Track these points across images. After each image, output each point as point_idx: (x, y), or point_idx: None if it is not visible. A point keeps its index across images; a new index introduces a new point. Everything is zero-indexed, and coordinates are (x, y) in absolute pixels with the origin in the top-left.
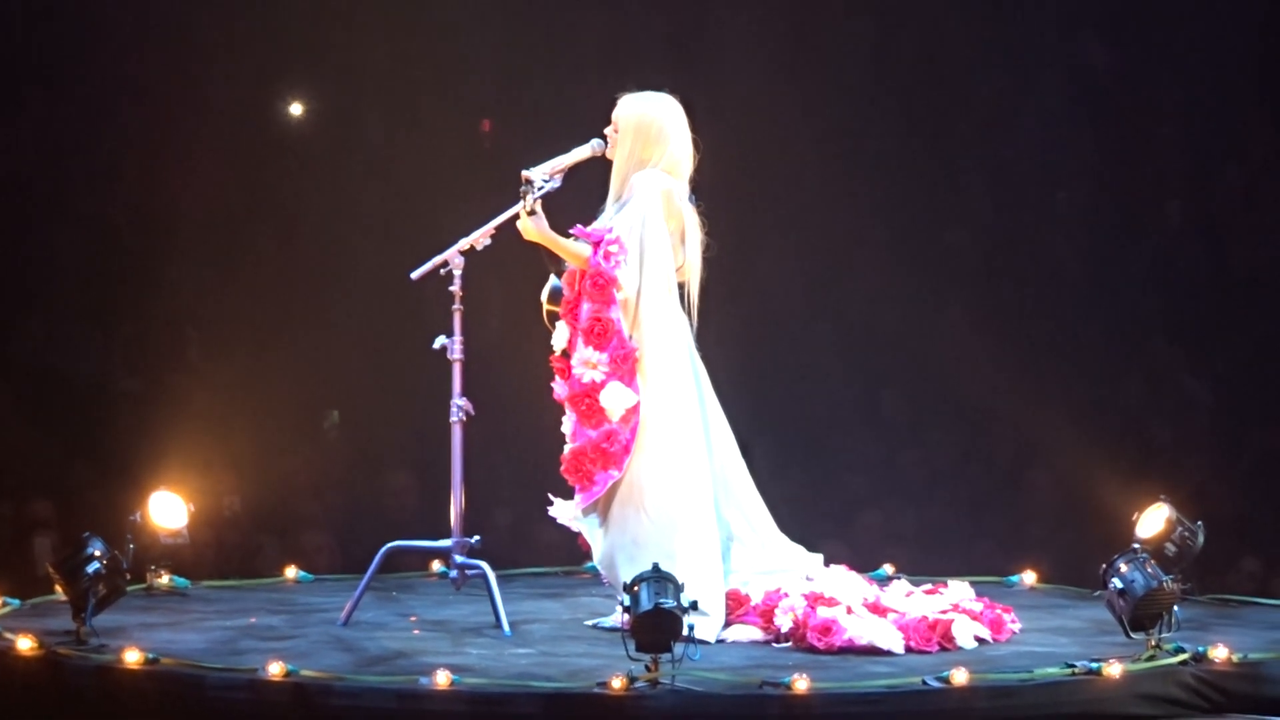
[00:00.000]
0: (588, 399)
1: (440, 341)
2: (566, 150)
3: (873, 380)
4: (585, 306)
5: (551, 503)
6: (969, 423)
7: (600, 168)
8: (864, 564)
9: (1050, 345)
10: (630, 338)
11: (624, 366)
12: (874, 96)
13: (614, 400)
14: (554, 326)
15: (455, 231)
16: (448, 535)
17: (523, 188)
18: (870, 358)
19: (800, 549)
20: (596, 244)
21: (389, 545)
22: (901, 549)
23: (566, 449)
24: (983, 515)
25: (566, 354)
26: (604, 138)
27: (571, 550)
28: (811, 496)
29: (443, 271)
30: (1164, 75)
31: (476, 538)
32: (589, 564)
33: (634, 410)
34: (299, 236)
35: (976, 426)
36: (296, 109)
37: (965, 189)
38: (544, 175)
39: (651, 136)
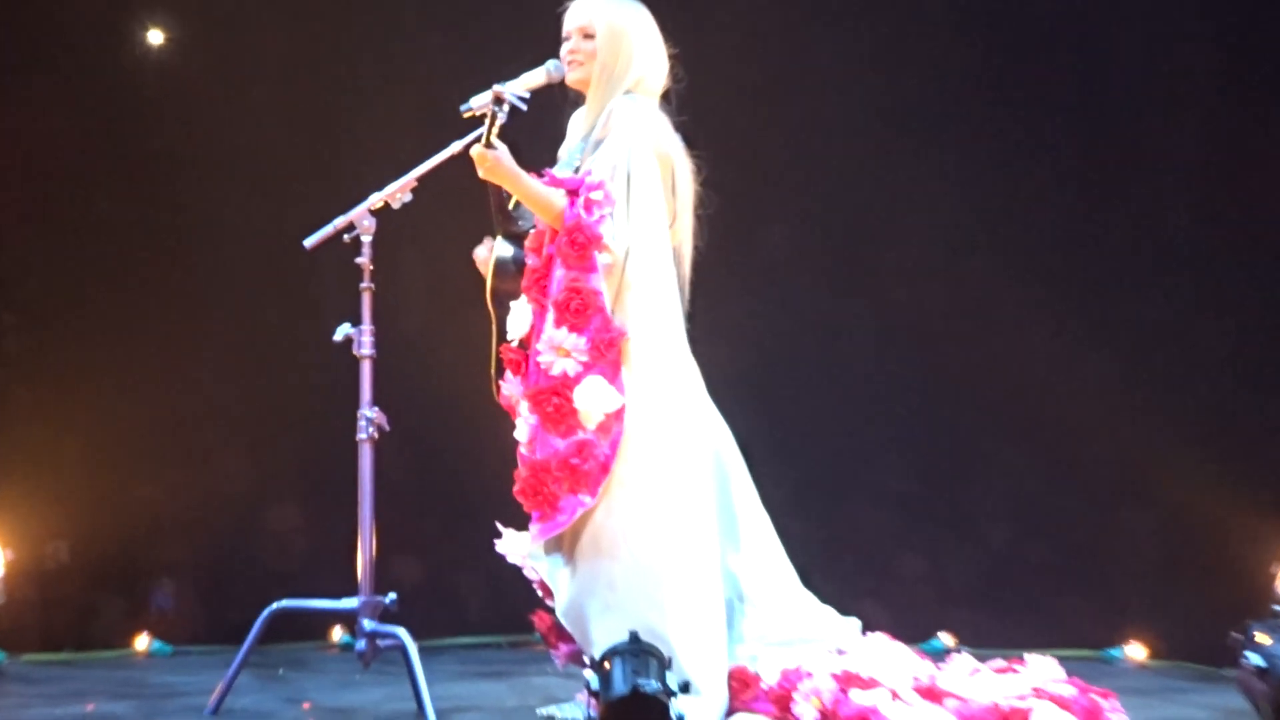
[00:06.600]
0: (557, 397)
1: (344, 332)
2: (507, 78)
3: (923, 385)
4: (559, 274)
5: (500, 534)
6: (1055, 444)
7: (546, 102)
8: (913, 632)
9: (1163, 344)
10: (613, 315)
11: (608, 355)
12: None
13: (593, 400)
14: (499, 309)
15: (364, 185)
16: (353, 592)
17: (494, 107)
18: (919, 356)
19: (829, 611)
20: (574, 192)
21: (274, 606)
22: (964, 611)
23: (522, 463)
24: (1073, 567)
25: (524, 345)
26: (560, 59)
27: (520, 613)
28: (841, 540)
29: (347, 238)
30: None
31: (392, 595)
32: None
33: (617, 416)
34: (157, 194)
35: (1065, 449)
36: (159, 34)
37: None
38: (519, 95)
39: (623, 51)
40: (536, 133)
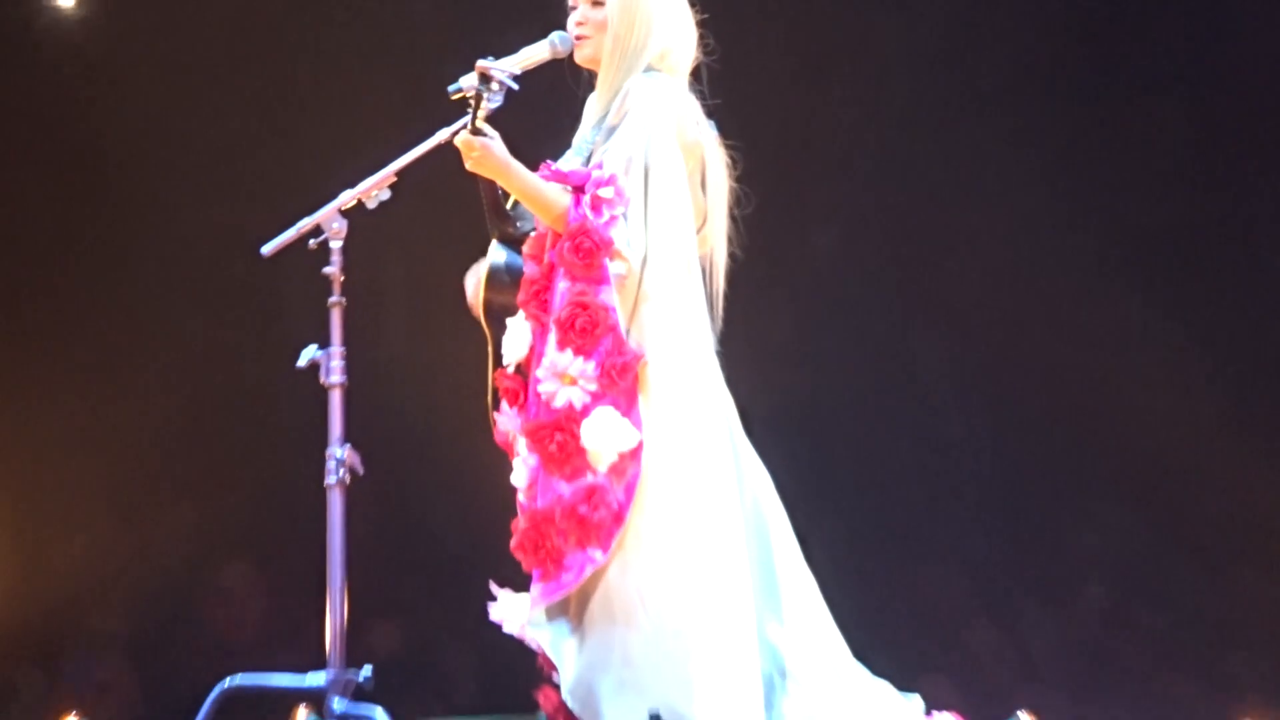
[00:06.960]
0: (561, 433)
1: (309, 356)
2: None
3: (1000, 418)
4: (562, 286)
5: (495, 597)
6: (1159, 491)
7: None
8: (988, 712)
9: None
10: (627, 335)
11: (621, 383)
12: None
13: (604, 437)
14: (495, 327)
15: (333, 180)
16: (320, 666)
17: (480, 87)
18: (995, 384)
19: (886, 688)
20: (580, 188)
21: (226, 682)
22: (1048, 689)
23: (521, 513)
24: (1180, 636)
25: (523, 370)
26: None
27: (521, 689)
28: (901, 604)
29: (313, 244)
30: None
31: (366, 670)
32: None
33: (633, 456)
34: (85, 193)
35: (1172, 497)
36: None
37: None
38: (509, 73)
39: (639, 20)
40: (548, 122)
